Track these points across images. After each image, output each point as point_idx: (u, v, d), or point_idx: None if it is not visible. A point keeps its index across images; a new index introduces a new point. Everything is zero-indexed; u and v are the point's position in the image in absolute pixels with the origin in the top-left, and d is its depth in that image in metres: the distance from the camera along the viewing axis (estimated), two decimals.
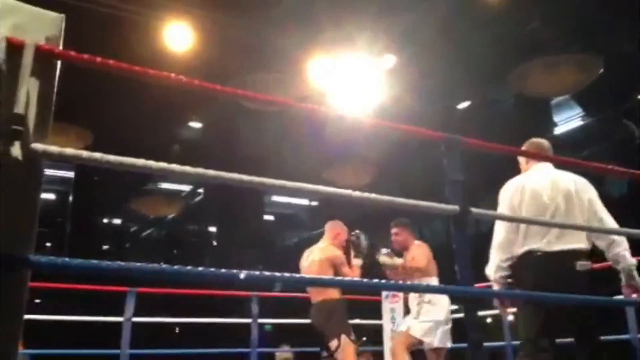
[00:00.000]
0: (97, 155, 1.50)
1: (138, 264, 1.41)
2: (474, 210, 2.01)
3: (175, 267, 1.46)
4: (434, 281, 4.51)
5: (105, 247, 15.39)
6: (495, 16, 7.07)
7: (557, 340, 2.85)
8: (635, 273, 2.97)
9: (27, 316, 1.39)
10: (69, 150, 1.46)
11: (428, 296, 4.43)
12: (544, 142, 3.25)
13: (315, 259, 4.45)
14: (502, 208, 3.04)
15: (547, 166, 3.16)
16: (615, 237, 2.95)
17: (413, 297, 4.57)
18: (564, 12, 7.21)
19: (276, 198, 16.96)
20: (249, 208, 14.38)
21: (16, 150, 1.34)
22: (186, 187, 15.40)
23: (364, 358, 7.06)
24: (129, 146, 9.29)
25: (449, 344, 4.39)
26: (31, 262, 1.31)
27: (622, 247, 2.95)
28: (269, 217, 17.48)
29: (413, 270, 4.43)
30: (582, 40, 7.66)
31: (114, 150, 1.59)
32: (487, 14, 7.04)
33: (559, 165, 3.18)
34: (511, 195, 3.02)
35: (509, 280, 3.01)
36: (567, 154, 9.06)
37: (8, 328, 1.28)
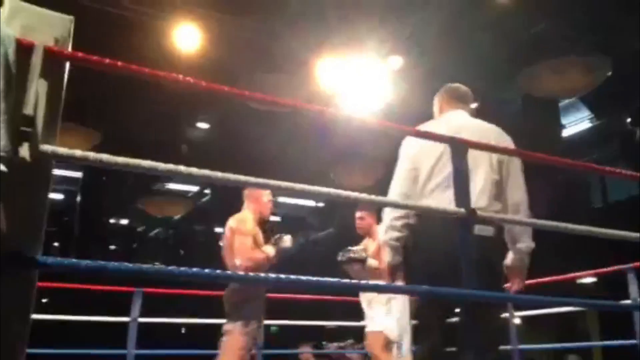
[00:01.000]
0: (104, 156, 1.51)
1: (145, 266, 1.42)
2: (480, 212, 2.01)
3: (181, 268, 1.46)
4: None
5: (112, 247, 15.44)
6: (503, 17, 7.05)
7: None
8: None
9: (34, 316, 1.40)
10: (77, 152, 1.47)
11: None
12: (460, 87, 2.93)
13: (226, 234, 3.87)
14: (400, 160, 2.67)
15: (461, 113, 2.81)
16: (523, 203, 2.55)
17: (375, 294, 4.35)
18: (571, 13, 7.18)
19: (282, 199, 16.98)
20: None
21: (25, 151, 1.35)
22: (193, 188, 15.43)
23: None
24: (137, 146, 9.34)
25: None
26: (39, 263, 1.32)
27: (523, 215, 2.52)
28: (275, 218, 17.50)
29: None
30: (590, 42, 7.63)
31: (122, 150, 1.60)
32: (495, 15, 7.02)
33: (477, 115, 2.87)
34: (408, 145, 2.65)
35: (401, 243, 2.61)
36: (576, 156, 9.04)
37: (17, 327, 1.29)
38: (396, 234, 2.60)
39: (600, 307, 2.26)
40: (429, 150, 2.55)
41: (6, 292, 1.26)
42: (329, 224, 14.84)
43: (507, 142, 2.67)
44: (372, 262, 4.29)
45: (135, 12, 6.62)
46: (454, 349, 2.34)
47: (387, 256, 2.68)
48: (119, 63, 1.59)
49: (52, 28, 1.50)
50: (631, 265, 4.15)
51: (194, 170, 1.62)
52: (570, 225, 2.63)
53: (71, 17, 1.55)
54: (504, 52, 7.76)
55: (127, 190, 13.40)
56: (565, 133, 11.48)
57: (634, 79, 7.77)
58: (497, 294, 2.69)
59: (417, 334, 2.59)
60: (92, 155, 1.48)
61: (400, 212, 2.58)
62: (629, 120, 10.64)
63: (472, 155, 2.20)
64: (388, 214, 2.63)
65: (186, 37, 6.74)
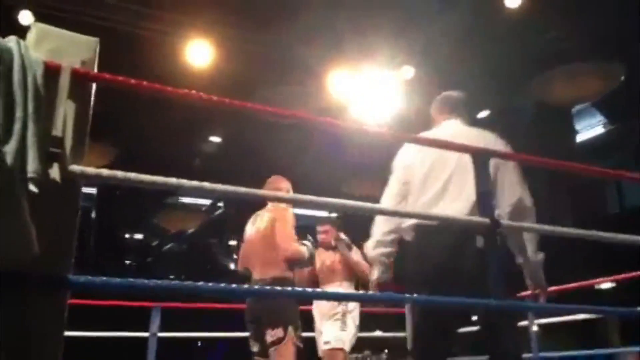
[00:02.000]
0: (132, 175, 1.52)
1: (175, 282, 1.43)
2: (503, 222, 2.01)
3: (209, 284, 1.47)
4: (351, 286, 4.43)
5: (127, 261, 15.51)
6: (515, 25, 7.04)
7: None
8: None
9: None
10: (105, 171, 1.49)
11: (351, 305, 4.30)
12: (452, 94, 2.85)
13: (261, 226, 3.67)
14: (394, 171, 2.65)
15: (454, 122, 2.74)
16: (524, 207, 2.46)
17: (332, 305, 4.29)
18: (583, 20, 7.16)
19: (295, 210, 16.98)
20: None
21: (55, 172, 1.37)
22: (206, 202, 15.50)
23: None
24: (151, 162, 9.41)
25: None
26: (71, 283, 1.33)
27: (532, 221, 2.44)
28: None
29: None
30: (602, 48, 7.60)
31: (136, 165, 1.61)
32: (507, 24, 7.01)
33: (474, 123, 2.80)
34: (405, 152, 2.64)
35: (390, 259, 2.55)
36: (590, 162, 8.98)
37: (50, 347, 1.30)
38: (386, 250, 2.55)
39: (620, 314, 2.23)
40: (420, 162, 2.54)
41: (40, 312, 1.28)
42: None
43: (502, 148, 2.58)
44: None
45: (148, 29, 6.69)
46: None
47: (375, 272, 2.61)
48: (144, 83, 1.61)
49: (78, 50, 1.52)
50: None
51: (218, 186, 1.64)
52: (585, 232, 2.61)
53: (96, 39, 1.57)
54: (517, 60, 7.75)
55: (141, 205, 13.48)
56: (579, 138, 11.42)
57: None
58: (515, 303, 2.67)
59: (420, 352, 2.50)
60: (119, 173, 1.50)
61: (390, 227, 2.52)
62: None
63: (463, 162, 2.21)
64: (378, 227, 2.57)
65: (199, 53, 6.80)
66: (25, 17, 6.04)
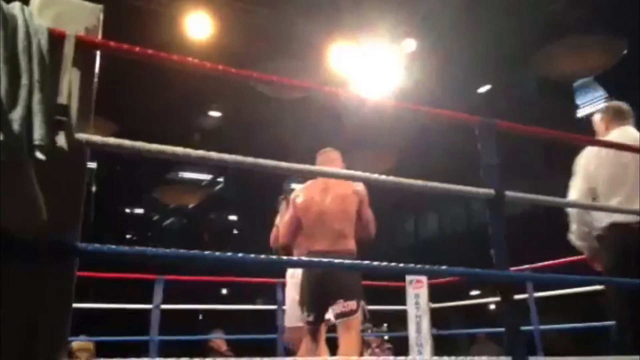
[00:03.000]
0: (139, 144, 1.52)
1: (181, 251, 1.43)
2: (508, 193, 2.00)
3: (228, 254, 1.47)
4: None
5: (128, 236, 15.58)
6: None
7: None
8: None
9: None
10: (112, 140, 1.48)
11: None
12: (622, 105, 3.11)
13: (339, 193, 3.51)
14: (578, 176, 2.94)
15: (628, 128, 3.01)
16: None
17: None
18: None
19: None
20: (267, 197, 14.40)
21: (61, 140, 1.36)
22: (206, 176, 15.50)
23: (375, 343, 6.99)
24: (150, 136, 9.37)
25: None
26: (79, 250, 1.33)
27: None
28: None
29: None
30: (605, 21, 7.53)
31: (137, 140, 1.58)
32: None
33: None
34: (587, 161, 2.92)
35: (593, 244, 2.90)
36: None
37: (59, 314, 1.31)
38: (588, 244, 2.93)
39: (622, 284, 2.26)
40: (606, 167, 2.84)
41: (49, 280, 1.28)
42: None
43: None
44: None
45: (148, 1, 6.61)
46: None
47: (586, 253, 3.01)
48: (149, 51, 1.59)
49: (83, 17, 1.50)
50: None
51: (225, 156, 1.63)
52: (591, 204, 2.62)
53: (100, 6, 1.55)
54: (518, 34, 7.69)
55: (141, 180, 13.48)
56: (580, 113, 11.38)
57: None
58: (518, 274, 2.81)
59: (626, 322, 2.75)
60: (127, 142, 1.49)
61: (583, 227, 2.90)
62: None
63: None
64: (575, 228, 2.93)
65: (198, 25, 6.73)
66: None
